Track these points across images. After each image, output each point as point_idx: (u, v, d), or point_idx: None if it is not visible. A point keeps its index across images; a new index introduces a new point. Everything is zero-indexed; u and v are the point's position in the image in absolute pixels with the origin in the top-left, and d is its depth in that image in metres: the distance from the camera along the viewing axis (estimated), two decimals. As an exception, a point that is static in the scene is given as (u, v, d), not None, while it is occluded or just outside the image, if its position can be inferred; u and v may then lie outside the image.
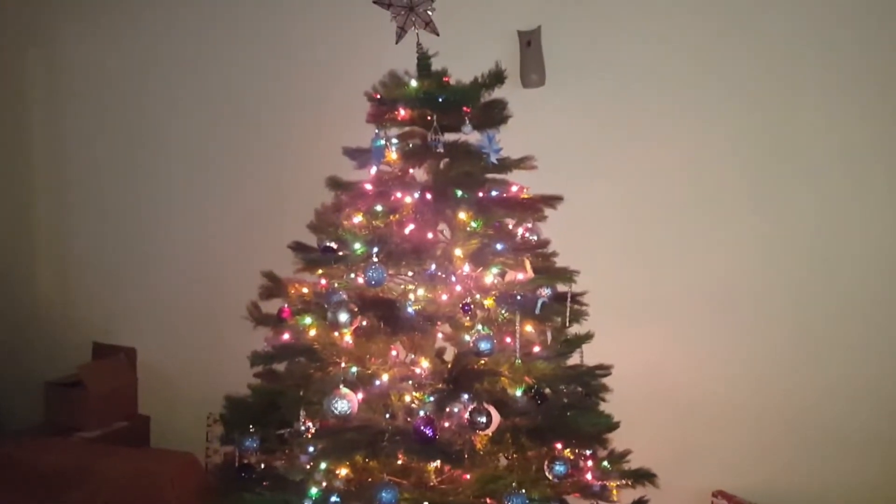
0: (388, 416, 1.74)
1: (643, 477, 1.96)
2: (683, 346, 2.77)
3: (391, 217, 1.76)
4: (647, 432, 2.38)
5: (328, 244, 1.84)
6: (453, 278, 1.74)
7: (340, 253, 1.79)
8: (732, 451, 2.70)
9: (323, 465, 1.71)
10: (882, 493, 2.40)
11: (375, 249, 1.68)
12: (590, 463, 1.95)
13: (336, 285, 1.79)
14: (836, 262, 2.54)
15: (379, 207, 1.77)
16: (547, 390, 1.93)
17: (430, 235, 1.76)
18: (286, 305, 1.90)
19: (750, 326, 2.67)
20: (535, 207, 1.88)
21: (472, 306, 1.69)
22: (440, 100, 1.81)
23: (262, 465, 1.89)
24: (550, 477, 1.80)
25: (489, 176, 1.88)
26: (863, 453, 2.47)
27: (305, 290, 1.86)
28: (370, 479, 1.71)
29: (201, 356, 3.56)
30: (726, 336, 2.70)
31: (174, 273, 3.76)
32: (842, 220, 2.54)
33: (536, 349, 1.89)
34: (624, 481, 1.94)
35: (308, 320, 1.80)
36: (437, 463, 1.78)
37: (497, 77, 1.85)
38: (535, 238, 1.97)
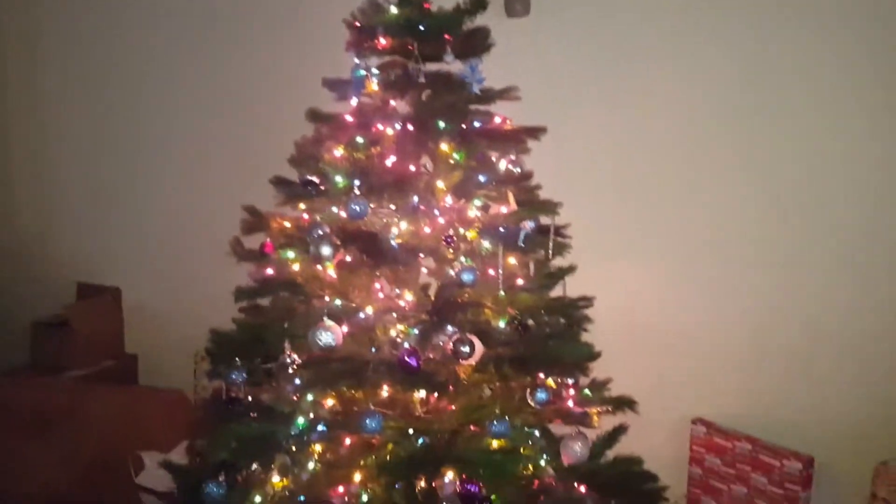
0: (373, 349, 1.76)
1: (623, 404, 2.00)
2: (664, 280, 2.81)
3: (372, 149, 1.74)
4: (628, 363, 2.42)
5: (309, 178, 1.82)
6: (436, 211, 1.73)
7: (322, 186, 1.78)
8: (711, 380, 2.76)
9: (309, 397, 1.73)
10: (852, 418, 2.48)
11: (357, 182, 1.67)
12: (571, 391, 1.98)
13: (318, 219, 1.78)
14: (816, 198, 2.56)
15: (360, 140, 1.74)
16: (530, 321, 1.96)
17: (412, 168, 1.74)
18: (268, 240, 1.89)
19: (729, 262, 2.70)
20: (518, 139, 1.86)
21: (454, 239, 1.69)
22: (421, 27, 1.77)
23: (250, 398, 1.92)
24: (533, 404, 1.84)
25: (472, 107, 1.85)
26: (833, 381, 2.54)
27: (288, 225, 1.85)
28: (356, 409, 1.74)
29: (186, 294, 3.57)
30: (706, 271, 2.74)
31: (156, 212, 3.74)
32: (823, 161, 2.54)
33: (520, 281, 1.90)
34: (604, 408, 1.97)
35: (291, 254, 1.80)
36: (423, 394, 1.80)
37: (479, 3, 1.80)
38: (519, 170, 1.96)
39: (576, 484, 1.94)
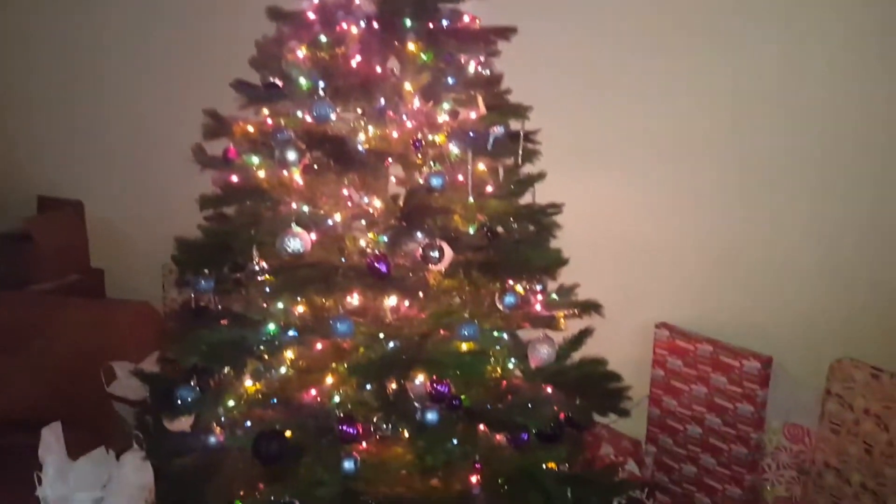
0: (342, 259, 1.76)
1: (590, 307, 2.04)
2: (632, 189, 2.82)
3: (337, 49, 1.67)
4: (595, 269, 2.45)
5: (272, 80, 1.77)
6: (404, 115, 1.70)
7: (285, 89, 1.72)
8: (675, 286, 2.82)
9: (280, 305, 1.73)
10: (808, 319, 2.56)
11: (321, 84, 1.62)
12: (539, 296, 2.01)
13: (282, 123, 1.74)
14: (778, 111, 2.54)
15: (323, 39, 1.68)
16: (499, 228, 1.96)
17: (378, 69, 1.69)
18: (231, 146, 1.85)
19: (694, 173, 2.71)
20: (487, 40, 1.81)
21: (423, 143, 1.67)
22: (386, -83, 1.68)
23: (219, 306, 1.91)
24: (501, 308, 1.86)
25: (440, 5, 1.79)
26: (790, 285, 2.60)
27: (251, 129, 1.80)
28: (327, 315, 1.75)
29: (151, 206, 3.51)
30: (672, 180, 2.75)
31: (116, 122, 3.62)
32: (796, 73, 2.51)
33: (489, 188, 1.90)
34: (571, 311, 2.01)
35: (255, 160, 1.76)
36: (393, 301, 1.82)
37: None
38: (488, 73, 1.91)
39: (543, 384, 2.00)
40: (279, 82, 1.76)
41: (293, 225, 1.62)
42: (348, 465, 1.59)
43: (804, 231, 2.56)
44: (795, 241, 2.58)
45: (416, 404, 1.71)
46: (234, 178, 1.82)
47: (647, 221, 2.83)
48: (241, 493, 1.75)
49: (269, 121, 1.81)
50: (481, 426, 1.85)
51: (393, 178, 1.94)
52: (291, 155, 1.62)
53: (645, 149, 2.77)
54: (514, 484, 1.89)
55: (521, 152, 1.91)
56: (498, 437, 1.88)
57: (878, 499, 2.13)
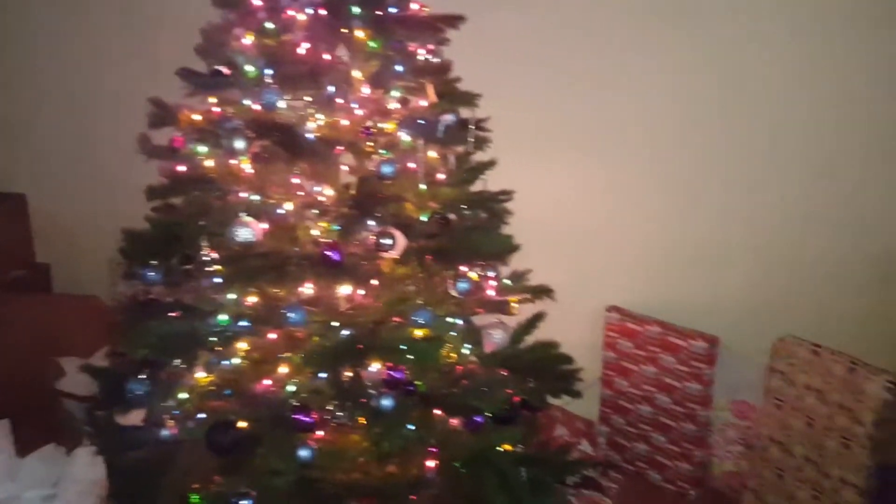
0: (295, 248, 1.75)
1: (541, 292, 2.07)
2: (582, 175, 2.87)
3: (284, 36, 1.66)
4: (547, 255, 2.48)
5: (218, 68, 1.74)
6: (353, 102, 1.69)
7: (232, 77, 1.70)
8: (625, 271, 2.89)
9: (231, 295, 1.72)
10: (752, 300, 2.66)
11: (269, 71, 1.60)
12: (492, 282, 2.04)
13: (230, 111, 1.71)
14: (726, 106, 2.62)
15: (270, 26, 1.66)
16: (451, 215, 1.97)
17: (326, 56, 1.68)
18: (178, 135, 1.82)
19: (644, 162, 2.77)
20: (435, 27, 1.81)
21: (373, 130, 1.66)
22: None
23: (169, 299, 1.89)
24: (455, 294, 1.88)
25: (387, -8, 1.78)
26: (734, 267, 2.70)
27: (198, 118, 1.77)
28: (280, 305, 1.74)
29: (96, 198, 3.43)
30: (622, 169, 2.80)
31: (58, 113, 3.52)
32: (738, 71, 2.58)
33: (441, 175, 1.91)
34: (524, 296, 2.04)
35: (203, 149, 1.74)
36: (347, 290, 1.81)
37: None
38: (437, 61, 1.92)
39: (497, 369, 2.02)
40: (226, 70, 1.73)
41: (243, 214, 1.60)
42: (304, 453, 1.59)
43: (746, 216, 2.65)
44: (739, 226, 2.66)
45: (372, 391, 1.72)
46: (182, 168, 1.79)
47: (597, 208, 2.88)
48: (196, 485, 1.74)
49: (217, 109, 1.78)
50: (437, 411, 1.87)
51: (345, 167, 1.94)
52: (239, 143, 1.61)
53: (595, 137, 2.81)
54: (470, 467, 1.92)
55: (471, 140, 1.92)
56: (453, 421, 1.90)
57: (820, 469, 2.22)
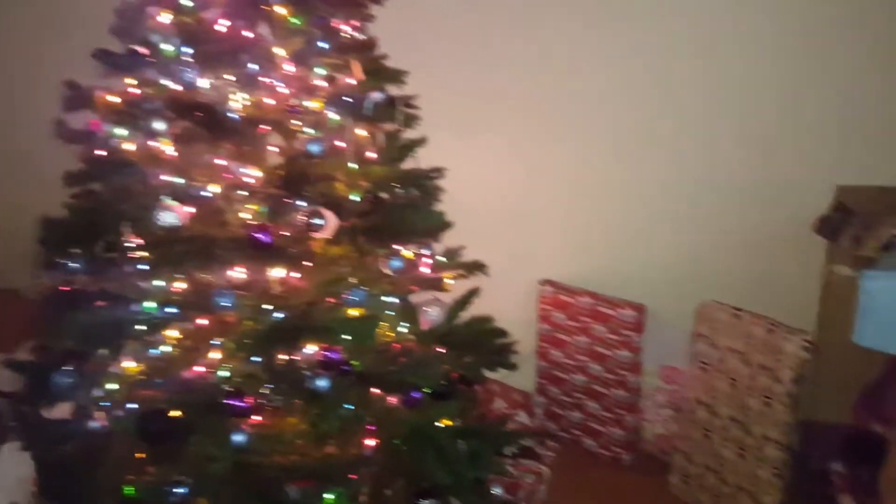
0: (223, 231, 1.71)
1: (475, 268, 2.09)
2: (513, 153, 2.90)
3: (202, 13, 1.61)
4: (480, 231, 2.50)
5: (134, 48, 1.68)
6: (277, 80, 1.66)
7: (149, 57, 1.64)
8: (556, 245, 2.94)
9: (158, 282, 1.68)
10: (676, 268, 2.75)
11: (187, 50, 1.56)
12: (426, 259, 2.05)
13: (148, 92, 1.66)
14: (647, 82, 2.68)
15: (187, 3, 1.61)
16: (383, 194, 1.97)
17: (247, 33, 1.64)
18: (95, 118, 1.75)
19: (570, 137, 2.82)
20: (359, 3, 1.79)
21: (299, 109, 1.64)
22: None
23: (93, 288, 1.83)
24: (389, 273, 1.88)
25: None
26: (659, 238, 2.79)
27: (115, 100, 1.70)
28: (209, 290, 1.71)
29: (12, 186, 3.28)
30: (550, 145, 2.84)
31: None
32: (659, 53, 2.63)
33: (371, 154, 1.89)
34: (458, 273, 2.06)
35: (122, 132, 1.68)
36: (280, 273, 1.79)
37: None
38: (363, 37, 1.90)
39: (433, 345, 2.04)
40: (143, 50, 1.68)
41: (166, 198, 1.56)
42: (239, 438, 1.58)
43: (669, 188, 2.73)
44: (661, 198, 2.75)
45: (307, 373, 1.71)
46: (101, 152, 1.73)
47: (527, 184, 2.92)
48: (130, 477, 1.70)
49: (135, 90, 1.72)
50: (374, 390, 1.87)
51: (273, 148, 1.91)
52: (159, 125, 1.56)
53: (524, 115, 2.84)
54: (409, 443, 1.93)
55: (400, 117, 1.91)
56: (391, 399, 1.91)
57: (744, 428, 2.32)
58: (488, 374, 2.35)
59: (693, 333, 2.49)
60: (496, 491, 2.27)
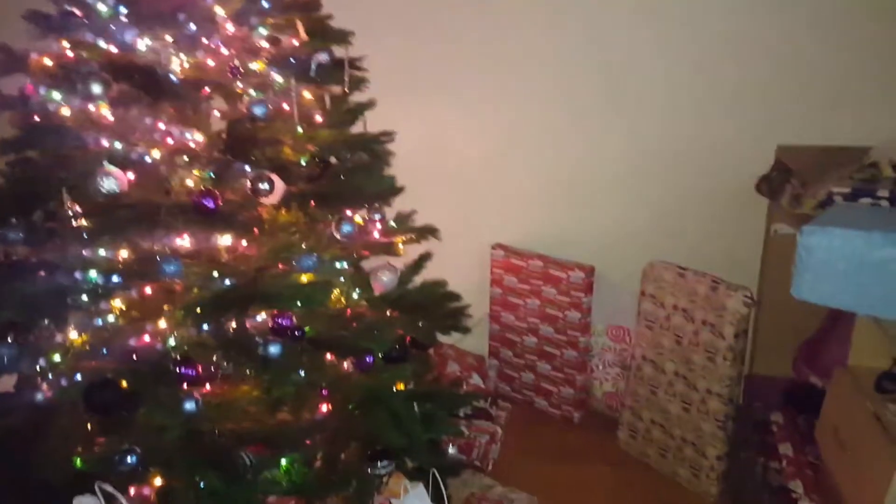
0: (167, 198, 1.67)
1: (427, 232, 2.09)
2: (463, 117, 2.89)
3: (138, -29, 1.56)
4: (432, 196, 2.51)
5: (68, 8, 1.61)
6: (218, 41, 1.62)
7: (84, 17, 1.58)
8: (508, 209, 2.96)
9: (101, 251, 1.64)
10: (623, 230, 2.81)
11: (123, 10, 1.50)
12: (378, 224, 2.04)
13: (84, 55, 1.60)
14: (597, 40, 2.69)
15: (122, -40, 1.55)
16: (332, 158, 1.95)
17: (185, -8, 1.59)
18: (29, 82, 1.68)
19: (522, 101, 2.82)
20: (302, -38, 1.75)
21: (241, 70, 1.60)
22: None
23: (33, 259, 1.78)
24: (339, 237, 1.87)
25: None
26: (607, 201, 2.83)
27: (49, 63, 1.64)
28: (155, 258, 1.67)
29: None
30: (500, 107, 2.85)
31: None
32: (611, 22, 2.65)
33: (318, 118, 1.87)
34: (409, 237, 2.06)
35: (57, 96, 1.62)
36: (228, 241, 1.77)
37: None
38: (306, -2, 1.86)
39: (387, 310, 2.04)
40: (76, 10, 1.61)
41: (105, 163, 1.52)
42: (189, 406, 1.56)
43: (616, 152, 2.77)
44: (609, 162, 2.78)
45: (258, 340, 1.70)
46: (36, 118, 1.66)
47: (477, 148, 2.92)
48: (79, 449, 1.68)
49: (69, 53, 1.66)
50: (328, 355, 1.88)
51: (217, 113, 1.87)
52: (96, 88, 1.51)
53: (475, 77, 2.83)
54: (363, 407, 1.95)
55: (347, 79, 1.89)
56: (345, 364, 1.92)
57: (689, 382, 2.40)
58: (443, 338, 2.38)
59: (640, 293, 2.55)
60: (451, 451, 2.32)
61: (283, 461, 1.83)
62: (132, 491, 1.67)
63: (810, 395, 2.22)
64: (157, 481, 1.65)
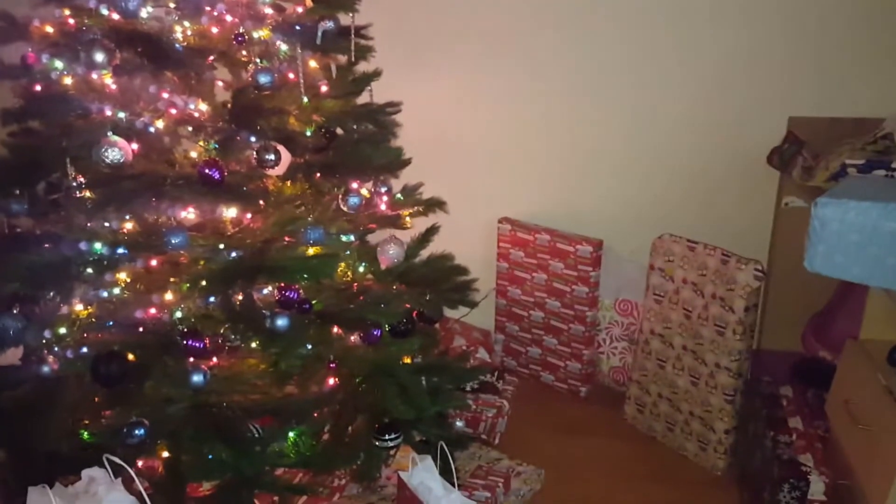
0: (172, 168, 1.65)
1: (434, 205, 2.07)
2: (471, 89, 2.85)
3: (140, -64, 1.52)
4: (438, 169, 2.49)
5: (69, -26, 1.58)
6: (222, 8, 1.59)
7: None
8: (515, 183, 2.94)
9: (106, 223, 1.62)
10: (632, 203, 2.78)
11: (125, -25, 1.47)
12: (384, 197, 2.02)
13: (86, 22, 1.57)
14: (608, 12, 2.64)
15: (124, -76, 1.51)
16: (338, 129, 1.92)
17: (189, -42, 1.56)
18: (30, 50, 1.65)
19: (531, 75, 2.78)
20: (308, -73, 1.71)
21: (246, 38, 1.57)
22: None
23: (38, 231, 1.76)
24: (346, 209, 1.85)
25: None
26: (615, 175, 2.81)
27: (50, 30, 1.61)
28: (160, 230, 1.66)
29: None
30: (508, 79, 2.81)
31: None
32: None
33: (324, 88, 1.84)
34: (416, 209, 2.04)
35: (59, 65, 1.59)
36: (233, 213, 1.75)
37: None
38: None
39: (394, 283, 2.03)
40: (78, -24, 1.58)
41: (109, 133, 1.50)
42: (197, 378, 1.55)
43: (625, 124, 2.73)
44: (618, 134, 2.75)
45: (265, 312, 1.69)
46: (38, 87, 1.64)
47: (486, 122, 2.88)
48: (86, 421, 1.67)
49: (71, 20, 1.63)
50: (335, 329, 1.86)
51: (220, 83, 1.84)
52: (99, 56, 1.48)
53: (482, 49, 2.79)
54: (370, 380, 1.94)
55: (352, 48, 1.86)
56: (352, 337, 1.91)
57: (697, 356, 2.39)
58: (450, 313, 2.36)
59: (648, 266, 2.53)
60: (458, 424, 2.32)
61: (291, 434, 1.83)
62: (140, 463, 1.67)
63: (820, 369, 2.21)
64: (165, 454, 1.65)
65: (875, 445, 1.67)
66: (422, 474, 1.89)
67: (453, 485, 1.90)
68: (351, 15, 1.79)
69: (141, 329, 1.61)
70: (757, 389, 2.23)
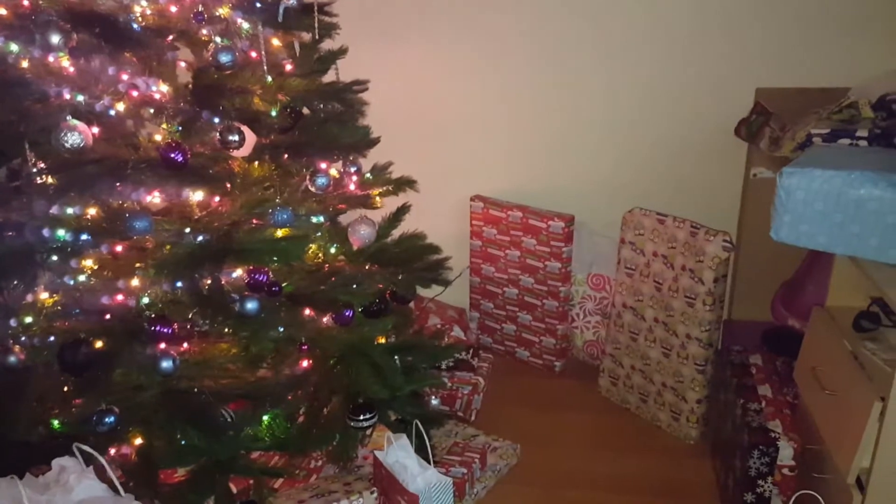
0: (134, 152, 1.62)
1: (404, 184, 2.06)
2: (440, 66, 2.83)
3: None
4: (408, 148, 2.48)
5: (19, -48, 1.53)
6: (180, -14, 1.55)
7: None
8: (486, 160, 2.92)
9: (68, 209, 1.59)
10: (603, 178, 2.79)
11: (78, -47, 1.43)
12: (354, 177, 2.00)
13: (41, 3, 1.53)
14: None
15: None
16: (304, 108, 1.90)
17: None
18: (-18, 33, 1.61)
19: (501, 50, 2.76)
20: None
21: (205, 16, 1.54)
22: None
23: (-1, 219, 1.72)
24: (314, 190, 1.83)
25: None
26: (586, 151, 2.81)
27: (3, 12, 1.56)
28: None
29: None
30: (478, 55, 2.78)
31: None
32: None
33: (288, 66, 1.81)
34: (387, 189, 2.02)
35: (14, 47, 1.55)
36: (199, 196, 1.72)
37: None
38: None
39: (365, 264, 2.02)
40: (28, -45, 1.53)
41: (69, 117, 1.46)
42: (166, 364, 1.54)
43: (594, 99, 2.73)
44: (587, 109, 2.75)
45: (234, 296, 1.67)
46: (-8, 72, 1.59)
47: (455, 98, 2.86)
48: (56, 410, 1.66)
49: (25, 2, 1.58)
50: (306, 311, 1.85)
51: (183, 64, 1.80)
52: (55, 38, 1.44)
53: (451, 23, 2.76)
54: (344, 361, 1.94)
55: (316, 25, 1.83)
56: (325, 319, 1.90)
57: (668, 328, 2.41)
58: (424, 292, 2.36)
59: (619, 240, 2.54)
60: (433, 402, 2.33)
61: (265, 417, 1.83)
62: (112, 451, 1.66)
63: (788, 338, 2.24)
64: (137, 440, 1.63)
65: (841, 410, 1.71)
66: (397, 453, 1.90)
67: (429, 462, 1.91)
68: (313, -8, 1.76)
69: (108, 316, 1.59)
70: (727, 359, 2.26)
